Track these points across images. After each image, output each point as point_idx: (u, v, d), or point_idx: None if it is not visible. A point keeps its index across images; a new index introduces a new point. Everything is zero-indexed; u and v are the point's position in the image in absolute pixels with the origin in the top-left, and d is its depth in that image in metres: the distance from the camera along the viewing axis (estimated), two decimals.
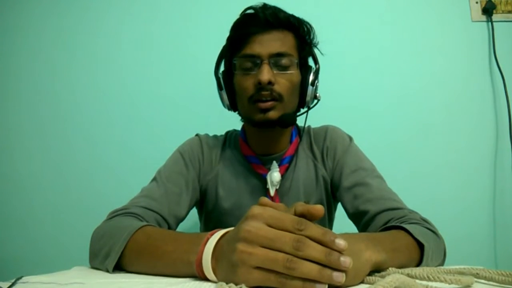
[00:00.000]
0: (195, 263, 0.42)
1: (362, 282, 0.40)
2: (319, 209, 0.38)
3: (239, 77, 0.75)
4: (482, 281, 0.40)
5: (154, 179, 0.78)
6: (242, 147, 0.84)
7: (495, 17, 1.33)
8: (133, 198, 0.72)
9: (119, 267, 0.52)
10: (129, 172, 1.25)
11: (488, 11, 1.32)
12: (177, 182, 0.77)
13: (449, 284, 0.38)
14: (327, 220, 0.87)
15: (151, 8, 1.34)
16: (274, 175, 0.78)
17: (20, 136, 1.29)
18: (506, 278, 0.38)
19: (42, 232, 1.24)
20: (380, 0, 1.35)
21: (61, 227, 1.24)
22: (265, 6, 0.76)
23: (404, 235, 0.54)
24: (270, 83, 0.71)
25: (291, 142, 0.84)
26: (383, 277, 0.39)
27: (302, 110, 0.82)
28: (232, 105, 0.80)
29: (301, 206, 0.39)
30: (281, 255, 0.35)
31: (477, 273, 0.40)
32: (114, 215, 0.65)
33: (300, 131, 0.87)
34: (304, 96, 0.78)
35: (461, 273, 0.41)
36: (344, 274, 0.35)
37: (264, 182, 0.80)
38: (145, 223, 0.57)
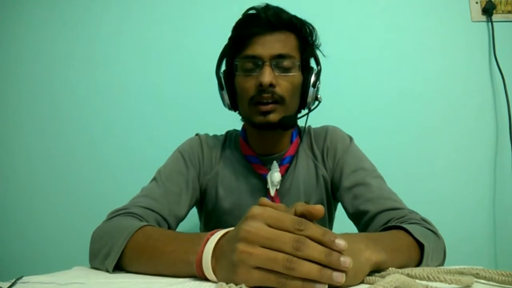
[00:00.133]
0: (195, 263, 0.42)
1: (362, 282, 0.40)
2: (319, 209, 0.38)
3: (240, 78, 0.75)
4: (482, 281, 0.40)
5: (154, 179, 0.78)
6: (243, 147, 0.84)
7: (495, 17, 1.33)
8: (133, 198, 0.72)
9: (119, 267, 0.52)
10: (129, 172, 1.25)
11: (488, 11, 1.32)
12: (177, 181, 0.77)
13: (449, 284, 0.38)
14: (327, 220, 0.87)
15: (151, 8, 1.34)
16: (275, 175, 0.78)
17: (20, 136, 1.29)
18: (506, 278, 0.38)
19: (42, 232, 1.24)
20: (380, 0, 1.35)
21: (61, 227, 1.24)
22: (267, 6, 0.75)
23: (404, 235, 0.54)
24: (271, 85, 0.70)
25: (291, 142, 0.84)
26: (383, 277, 0.39)
27: (303, 112, 0.81)
28: (233, 105, 0.80)
29: (301, 206, 0.39)
30: (281, 255, 0.35)
31: (477, 273, 0.40)
32: (114, 215, 0.65)
33: (300, 132, 0.87)
34: (305, 98, 0.78)
35: (461, 273, 0.41)
36: (344, 274, 0.35)
37: (265, 182, 0.80)
38: (145, 223, 0.57)
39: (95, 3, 1.34)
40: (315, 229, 0.37)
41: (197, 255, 0.42)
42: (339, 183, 0.79)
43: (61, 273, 0.51)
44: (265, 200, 0.42)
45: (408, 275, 0.40)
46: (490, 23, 1.32)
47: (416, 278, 0.40)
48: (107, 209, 0.67)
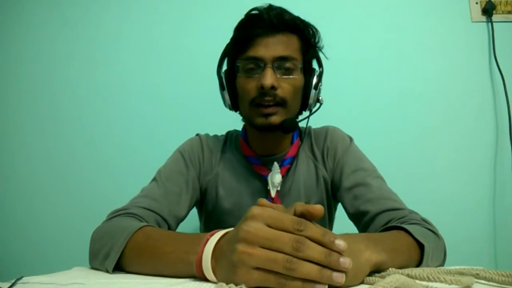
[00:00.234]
0: (195, 264, 0.42)
1: (362, 282, 0.40)
2: (319, 209, 0.38)
3: (241, 79, 0.75)
4: (482, 281, 0.40)
5: (154, 179, 0.78)
6: (243, 147, 0.84)
7: (495, 17, 1.33)
8: (133, 198, 0.72)
9: (119, 268, 0.52)
10: (129, 172, 1.25)
11: (488, 11, 1.32)
12: (177, 182, 0.77)
13: (449, 284, 0.38)
14: (328, 221, 0.87)
15: (151, 8, 1.34)
16: (276, 176, 0.78)
17: (20, 136, 1.29)
18: (506, 278, 0.38)
19: (42, 232, 1.24)
20: (379, 0, 1.35)
21: (61, 228, 1.24)
22: (270, 7, 0.74)
23: (404, 235, 0.54)
24: (273, 87, 0.70)
25: (292, 143, 0.84)
26: (383, 277, 0.39)
27: (304, 113, 0.81)
28: (234, 105, 0.80)
29: (300, 206, 0.39)
30: (280, 255, 0.35)
31: (477, 274, 0.40)
32: (114, 215, 0.65)
33: (301, 133, 0.87)
34: (306, 99, 0.78)
35: (461, 273, 0.41)
36: (344, 275, 0.35)
37: (265, 183, 0.80)
38: (144, 223, 0.57)
39: (95, 3, 1.34)
40: (315, 230, 0.37)
41: (197, 256, 0.42)
42: (339, 184, 0.78)
43: (61, 273, 0.51)
44: (263, 200, 0.42)
45: (408, 275, 0.40)
46: (490, 23, 1.32)
47: (416, 278, 0.40)
48: (107, 209, 0.67)
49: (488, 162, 1.28)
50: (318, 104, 0.80)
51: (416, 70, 1.32)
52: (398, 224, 0.59)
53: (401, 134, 1.28)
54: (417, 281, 0.38)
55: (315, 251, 0.35)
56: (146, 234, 0.53)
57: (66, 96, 1.30)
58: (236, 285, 0.36)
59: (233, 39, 0.78)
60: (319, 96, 0.79)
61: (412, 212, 0.67)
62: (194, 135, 0.89)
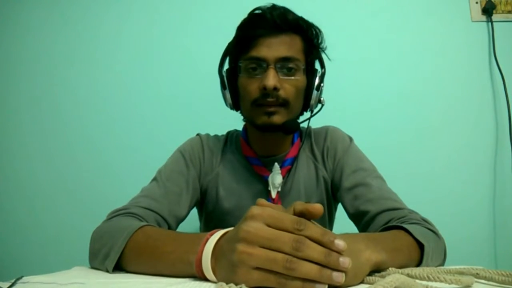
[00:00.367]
0: (195, 263, 0.42)
1: (362, 282, 0.40)
2: (318, 207, 0.38)
3: (244, 79, 0.74)
4: (482, 281, 0.40)
5: (155, 179, 0.77)
6: (244, 147, 0.84)
7: (495, 17, 1.33)
8: (133, 198, 0.72)
9: (119, 267, 0.52)
10: (129, 172, 1.25)
11: (488, 11, 1.32)
12: (178, 182, 0.77)
13: (449, 284, 0.38)
14: (328, 221, 0.87)
15: (151, 8, 1.34)
16: (276, 177, 0.78)
17: (20, 136, 1.29)
18: (506, 278, 0.38)
19: (42, 232, 1.24)
20: (379, 0, 1.35)
21: (61, 227, 1.24)
22: (273, 7, 0.74)
23: (404, 235, 0.54)
24: (275, 88, 0.70)
25: (292, 143, 0.84)
26: (383, 277, 0.39)
27: (305, 114, 0.81)
28: (235, 105, 0.80)
29: (300, 205, 0.39)
30: (280, 255, 0.35)
31: (477, 273, 0.40)
32: (114, 215, 0.65)
33: (301, 133, 0.87)
34: (308, 100, 0.77)
35: (461, 273, 0.41)
36: (343, 274, 0.35)
37: (266, 184, 0.79)
38: (144, 223, 0.57)
39: (95, 3, 1.34)
40: (314, 229, 0.37)
41: (197, 255, 0.42)
42: (339, 184, 0.78)
43: (61, 273, 0.51)
44: (263, 201, 0.42)
45: (408, 275, 0.40)
46: (490, 23, 1.32)
47: (416, 278, 0.40)
48: (107, 209, 0.67)
49: (488, 162, 1.28)
50: (319, 105, 0.80)
51: (416, 70, 1.32)
52: (398, 224, 0.59)
53: (401, 134, 1.28)
54: (417, 281, 0.38)
55: (315, 250, 0.35)
56: (146, 234, 0.53)
57: (66, 96, 1.30)
58: (236, 284, 0.36)
59: (235, 38, 0.77)
60: (321, 97, 0.79)
61: (412, 212, 0.67)
62: (194, 135, 0.88)
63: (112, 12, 1.34)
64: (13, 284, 0.41)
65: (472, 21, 1.34)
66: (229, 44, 0.80)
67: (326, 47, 0.80)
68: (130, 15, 1.33)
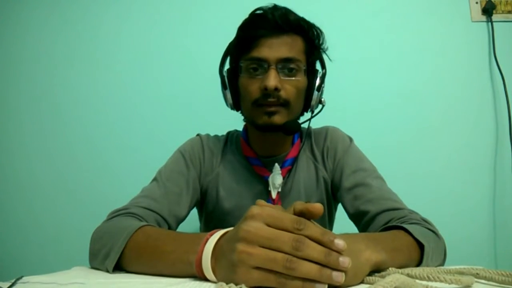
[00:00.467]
0: (195, 263, 0.42)
1: (362, 282, 0.40)
2: (318, 207, 0.38)
3: (244, 80, 0.74)
4: (482, 281, 0.40)
5: (155, 179, 0.77)
6: (244, 148, 0.84)
7: (495, 17, 1.33)
8: (133, 198, 0.72)
9: (119, 267, 0.52)
10: (129, 172, 1.25)
11: (488, 11, 1.32)
12: (178, 182, 0.77)
13: (449, 284, 0.38)
14: (328, 221, 0.87)
15: (151, 8, 1.34)
16: (277, 178, 0.78)
17: (20, 136, 1.29)
18: (506, 278, 0.38)
19: (42, 232, 1.24)
20: (379, 0, 1.35)
21: (61, 227, 1.24)
22: (275, 7, 0.74)
23: (404, 235, 0.54)
24: (276, 89, 0.70)
25: (292, 144, 0.84)
26: (383, 277, 0.39)
27: (306, 114, 0.81)
28: (235, 105, 0.80)
29: (300, 205, 0.39)
30: (280, 255, 0.35)
31: (477, 273, 0.40)
32: (114, 215, 0.65)
33: (302, 134, 0.87)
34: (309, 101, 0.77)
35: (461, 273, 0.41)
36: (343, 274, 0.35)
37: (266, 184, 0.79)
38: (144, 223, 0.57)
39: (95, 3, 1.34)
40: (314, 229, 0.37)
41: (197, 255, 0.42)
42: (339, 184, 0.78)
43: (61, 273, 0.51)
44: (262, 202, 0.42)
45: (408, 275, 0.40)
46: (490, 23, 1.32)
47: (416, 278, 0.40)
48: (107, 209, 0.67)
49: (488, 162, 1.28)
50: (320, 106, 0.80)
51: (416, 70, 1.32)
52: (398, 224, 0.59)
53: (401, 134, 1.28)
54: (417, 281, 0.38)
55: (315, 250, 0.35)
56: (146, 234, 0.53)
57: (66, 96, 1.30)
58: (236, 284, 0.36)
59: (236, 38, 0.77)
60: (322, 98, 0.79)
61: (412, 212, 0.67)
62: (194, 135, 0.88)
63: (112, 12, 1.34)
64: (13, 284, 0.41)
65: (472, 21, 1.34)
66: (230, 44, 0.80)
67: (327, 47, 0.80)
68: (129, 15, 1.33)
